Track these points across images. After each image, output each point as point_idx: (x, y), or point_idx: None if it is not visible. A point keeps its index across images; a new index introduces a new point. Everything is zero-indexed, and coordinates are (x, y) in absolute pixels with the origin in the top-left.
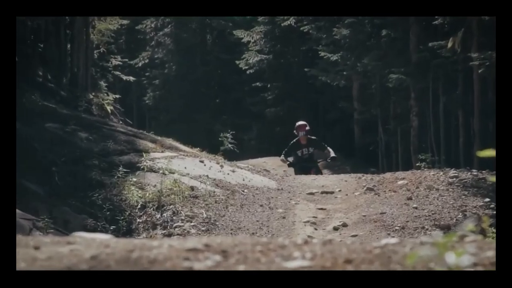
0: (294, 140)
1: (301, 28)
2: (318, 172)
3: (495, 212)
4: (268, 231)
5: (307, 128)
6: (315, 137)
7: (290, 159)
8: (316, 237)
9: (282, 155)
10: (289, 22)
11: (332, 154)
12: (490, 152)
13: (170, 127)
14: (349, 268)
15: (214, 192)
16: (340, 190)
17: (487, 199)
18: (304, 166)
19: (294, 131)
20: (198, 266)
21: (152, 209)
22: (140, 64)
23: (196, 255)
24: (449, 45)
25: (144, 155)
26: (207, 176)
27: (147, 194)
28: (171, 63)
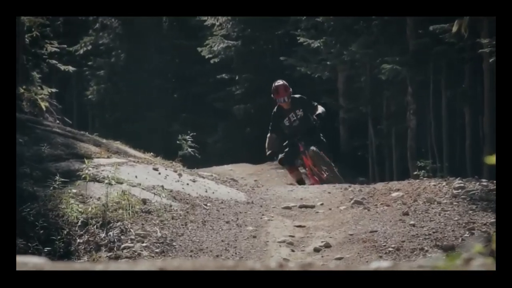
0: (275, 109)
1: None
2: (321, 147)
3: None
4: (236, 253)
5: (290, 90)
6: (299, 95)
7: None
8: (293, 260)
9: (268, 139)
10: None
11: (319, 110)
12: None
13: (118, 127)
14: None
15: (171, 206)
16: (322, 204)
17: None
18: (296, 146)
19: (272, 95)
20: None
21: (95, 226)
22: (81, 52)
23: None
24: (454, 29)
25: (86, 161)
26: (162, 186)
27: (90, 209)
28: (119, 50)
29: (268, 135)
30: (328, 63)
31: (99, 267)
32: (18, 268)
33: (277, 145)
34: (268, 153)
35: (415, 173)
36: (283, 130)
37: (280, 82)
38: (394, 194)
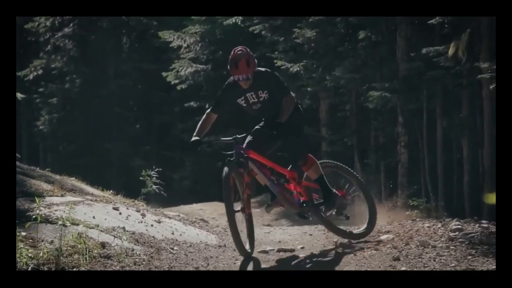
0: (229, 80)
1: (250, 29)
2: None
3: None
4: None
5: (254, 64)
6: (266, 69)
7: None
8: None
9: (205, 115)
10: (233, 21)
11: (287, 107)
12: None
13: (73, 161)
14: None
15: (133, 250)
16: (303, 247)
17: None
18: (254, 137)
19: (228, 68)
20: None
21: None
22: (31, 77)
23: None
24: (450, 52)
25: (37, 200)
26: (123, 228)
27: (41, 254)
28: (74, 75)
29: (207, 111)
30: (309, 89)
31: None
32: None
33: (210, 130)
34: (193, 138)
35: (407, 213)
36: (239, 110)
37: (241, 50)
38: (384, 237)
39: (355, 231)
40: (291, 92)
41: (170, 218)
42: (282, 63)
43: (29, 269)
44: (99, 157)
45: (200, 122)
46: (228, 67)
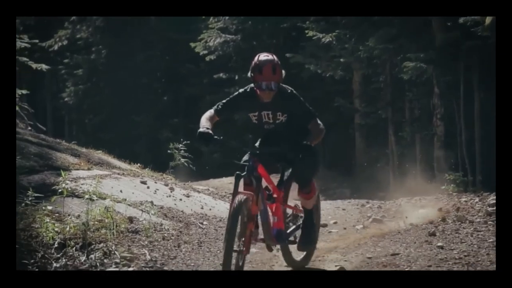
0: (246, 89)
1: None
2: (304, 180)
3: None
4: None
5: (282, 74)
6: (291, 90)
7: None
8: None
9: (208, 112)
10: None
11: (316, 131)
12: None
13: (99, 134)
14: None
15: (161, 224)
16: (335, 223)
17: None
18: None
19: (250, 74)
20: None
21: (74, 248)
22: (55, 47)
23: None
24: (488, 21)
25: (63, 173)
26: (151, 202)
27: (68, 228)
28: (100, 45)
29: (211, 109)
30: (341, 60)
31: None
32: None
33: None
34: (202, 129)
35: (443, 187)
36: (249, 123)
37: (266, 56)
38: (419, 212)
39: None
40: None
41: (199, 192)
42: (313, 33)
43: (56, 244)
44: (126, 130)
45: (205, 117)
46: (250, 74)
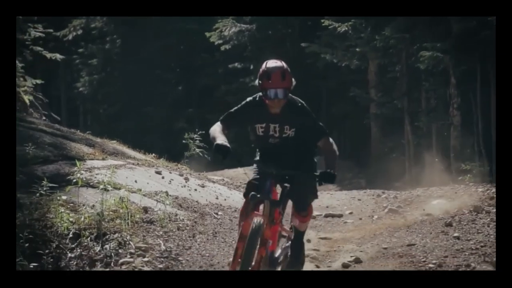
0: (254, 98)
1: None
2: (303, 194)
3: None
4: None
5: (292, 82)
6: (302, 103)
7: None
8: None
9: (217, 125)
10: None
11: (329, 168)
12: None
13: (114, 124)
14: None
15: (176, 215)
16: (351, 213)
17: None
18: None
19: (258, 81)
20: None
21: (89, 239)
22: (70, 37)
23: None
24: None
25: (78, 163)
26: (166, 193)
27: (82, 219)
28: (114, 35)
29: (218, 122)
30: (357, 50)
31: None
32: None
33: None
34: (219, 142)
35: (460, 177)
36: (252, 136)
37: (275, 62)
38: (435, 202)
39: None
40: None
41: (214, 182)
42: (329, 22)
43: (70, 234)
44: (141, 119)
45: (216, 130)
46: (258, 81)
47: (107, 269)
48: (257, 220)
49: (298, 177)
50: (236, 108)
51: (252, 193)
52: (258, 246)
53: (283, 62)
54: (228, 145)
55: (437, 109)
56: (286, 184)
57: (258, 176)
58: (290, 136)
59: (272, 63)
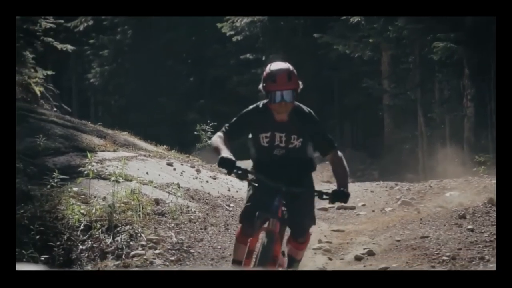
0: (257, 106)
1: None
2: (306, 213)
3: None
4: None
5: (299, 85)
6: (310, 111)
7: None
8: (331, 271)
9: (219, 136)
10: None
11: (342, 186)
12: None
13: (125, 116)
14: None
15: (188, 207)
16: (364, 205)
17: None
18: (265, 185)
19: (262, 85)
20: None
21: (100, 231)
22: (81, 28)
23: None
24: None
25: (89, 155)
26: (177, 184)
27: (93, 210)
28: (126, 25)
29: (219, 133)
30: (370, 40)
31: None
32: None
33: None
34: (224, 155)
35: (474, 169)
36: (252, 148)
37: (281, 64)
38: (449, 194)
39: None
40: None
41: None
42: None
43: (82, 226)
44: (152, 111)
45: (219, 142)
46: (262, 85)
47: (108, 269)
48: (268, 234)
49: (299, 199)
50: (238, 116)
51: (259, 212)
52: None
53: (288, 64)
54: (234, 158)
55: (450, 100)
56: (283, 208)
57: (257, 197)
58: (296, 147)
59: (276, 64)
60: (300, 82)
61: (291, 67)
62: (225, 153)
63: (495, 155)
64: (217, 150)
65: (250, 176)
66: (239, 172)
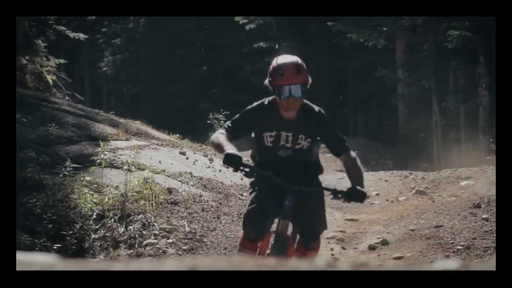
0: (263, 102)
1: None
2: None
3: None
4: None
5: (308, 79)
6: (319, 109)
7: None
8: (344, 260)
9: (220, 133)
10: None
11: (357, 185)
12: None
13: (137, 104)
14: None
15: (201, 196)
16: (378, 194)
17: None
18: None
19: (268, 79)
20: None
21: (113, 220)
22: (93, 16)
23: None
24: None
25: (102, 144)
26: (190, 173)
27: (106, 199)
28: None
29: (221, 130)
30: (384, 29)
31: (117, 266)
32: (21, 268)
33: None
34: (230, 151)
35: (489, 157)
36: (254, 148)
37: (289, 57)
38: (464, 183)
39: None
40: None
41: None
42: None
43: (94, 215)
44: (165, 99)
45: (222, 139)
46: (268, 79)
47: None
48: (279, 237)
49: (310, 200)
50: (240, 114)
51: (268, 213)
52: None
53: (296, 57)
54: (240, 154)
55: (465, 89)
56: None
57: (264, 198)
58: (303, 148)
59: (284, 57)
60: (309, 77)
61: (299, 60)
62: (230, 149)
63: (496, 155)
64: (220, 146)
65: (257, 173)
66: (246, 169)
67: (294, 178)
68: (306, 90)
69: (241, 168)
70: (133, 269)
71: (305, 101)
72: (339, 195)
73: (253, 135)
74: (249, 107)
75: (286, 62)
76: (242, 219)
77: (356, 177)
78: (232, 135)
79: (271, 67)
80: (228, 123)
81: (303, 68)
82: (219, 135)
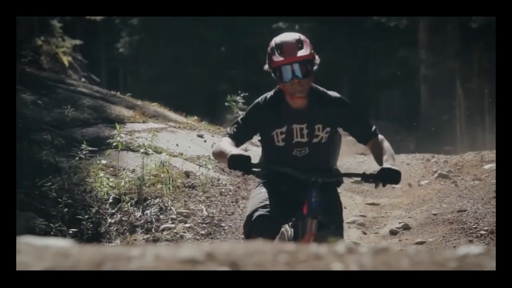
0: (265, 98)
1: None
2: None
3: None
4: None
5: (311, 52)
6: (336, 93)
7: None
8: (365, 244)
9: (223, 141)
10: None
11: (388, 164)
12: None
13: (154, 86)
14: None
15: (219, 179)
16: None
17: None
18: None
19: (267, 63)
20: None
21: (129, 204)
22: (98, 16)
23: (194, 269)
24: None
25: (118, 126)
26: (208, 157)
27: (123, 183)
28: None
29: (225, 137)
30: None
31: (134, 252)
32: (39, 253)
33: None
34: (236, 152)
35: None
36: (266, 152)
37: (289, 34)
38: (487, 166)
39: None
40: None
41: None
42: None
43: (110, 199)
44: (182, 81)
45: (226, 144)
46: (267, 63)
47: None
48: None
49: (329, 193)
50: (242, 117)
51: (298, 210)
52: None
53: (298, 33)
54: (247, 154)
55: (490, 71)
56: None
57: (280, 198)
58: (322, 141)
59: (283, 35)
60: (316, 55)
61: (302, 36)
62: (235, 150)
63: (496, 154)
64: (222, 153)
65: (272, 170)
66: (258, 169)
67: (316, 172)
68: (313, 70)
69: (252, 168)
70: (150, 254)
71: (316, 85)
72: (371, 179)
73: (259, 138)
74: (250, 107)
75: (285, 38)
76: (242, 220)
77: (386, 156)
78: (236, 142)
79: (268, 48)
80: (233, 128)
81: (307, 43)
82: (221, 143)
